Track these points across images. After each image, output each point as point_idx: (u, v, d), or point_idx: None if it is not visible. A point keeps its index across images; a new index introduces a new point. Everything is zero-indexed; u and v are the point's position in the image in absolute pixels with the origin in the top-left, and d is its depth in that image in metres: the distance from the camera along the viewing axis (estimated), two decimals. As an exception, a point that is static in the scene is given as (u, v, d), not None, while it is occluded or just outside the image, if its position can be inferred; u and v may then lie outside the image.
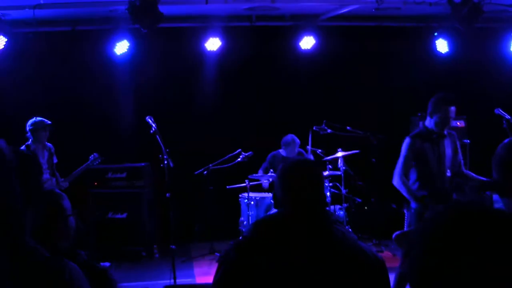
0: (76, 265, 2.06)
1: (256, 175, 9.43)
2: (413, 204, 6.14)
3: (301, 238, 2.63)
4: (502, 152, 2.67)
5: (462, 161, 6.41)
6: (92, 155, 8.58)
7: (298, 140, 9.53)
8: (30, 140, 8.16)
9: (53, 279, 1.98)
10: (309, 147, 9.49)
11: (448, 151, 6.22)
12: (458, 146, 6.40)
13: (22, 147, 8.08)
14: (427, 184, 6.11)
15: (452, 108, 6.12)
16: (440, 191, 6.10)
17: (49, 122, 8.24)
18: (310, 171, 2.80)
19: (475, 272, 1.26)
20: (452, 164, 6.26)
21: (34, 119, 8.18)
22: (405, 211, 6.54)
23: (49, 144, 8.34)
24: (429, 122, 6.21)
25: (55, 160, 8.44)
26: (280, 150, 9.77)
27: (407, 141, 6.22)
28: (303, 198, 2.74)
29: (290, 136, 9.55)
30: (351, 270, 2.57)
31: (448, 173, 6.21)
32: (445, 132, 6.24)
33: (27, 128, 8.14)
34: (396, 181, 6.17)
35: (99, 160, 8.68)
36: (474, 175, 6.37)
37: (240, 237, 2.83)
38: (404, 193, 6.14)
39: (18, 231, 2.05)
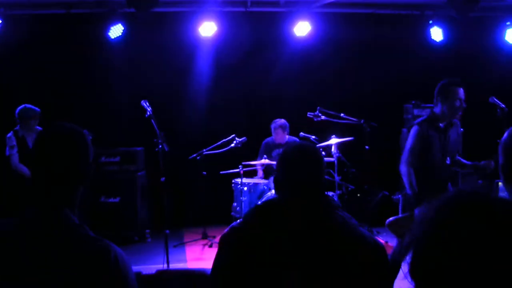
0: (120, 249, 2.10)
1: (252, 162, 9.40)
2: (407, 190, 6.15)
3: (300, 223, 2.63)
4: (508, 137, 2.67)
5: (460, 150, 6.42)
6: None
7: (284, 124, 9.54)
8: (18, 126, 8.11)
9: (100, 258, 2.01)
10: (302, 133, 9.50)
11: (452, 139, 6.21)
12: (460, 135, 6.39)
13: (9, 134, 8.07)
14: (426, 171, 6.09)
15: (461, 90, 6.10)
16: (437, 178, 6.10)
17: (38, 110, 8.14)
18: (311, 156, 2.79)
19: (478, 260, 1.25)
20: (453, 152, 6.26)
21: (23, 106, 8.07)
22: (399, 196, 6.55)
23: (40, 128, 8.16)
24: (439, 109, 6.15)
25: None
26: (273, 138, 9.77)
27: (415, 128, 6.13)
28: (303, 182, 2.74)
29: (277, 120, 9.58)
30: (351, 255, 2.57)
31: (448, 161, 6.20)
32: (452, 120, 6.22)
33: (16, 115, 8.08)
34: (402, 169, 6.13)
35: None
36: (464, 160, 6.40)
37: (239, 221, 2.82)
38: (406, 182, 6.11)
39: (70, 208, 2.11)
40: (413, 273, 1.36)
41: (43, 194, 2.12)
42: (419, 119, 6.33)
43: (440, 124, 6.13)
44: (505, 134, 2.64)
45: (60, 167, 2.15)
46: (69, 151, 2.20)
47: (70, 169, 2.18)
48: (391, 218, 6.44)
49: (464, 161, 6.39)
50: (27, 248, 1.99)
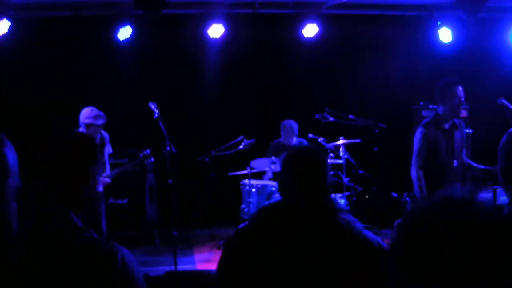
0: (127, 250, 2.08)
1: (259, 160, 9.39)
2: (416, 193, 6.12)
3: (305, 226, 2.63)
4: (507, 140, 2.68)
5: (464, 151, 6.37)
6: (142, 153, 7.94)
7: (293, 125, 9.53)
8: (81, 128, 7.47)
9: (106, 261, 1.99)
10: (310, 135, 9.48)
11: (458, 141, 6.17)
12: (465, 137, 6.35)
13: None
14: (433, 173, 6.06)
15: (459, 88, 6.07)
16: (445, 180, 6.06)
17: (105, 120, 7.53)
18: (314, 159, 2.80)
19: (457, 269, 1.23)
20: (459, 154, 6.22)
21: (90, 109, 7.54)
22: (407, 199, 6.52)
23: (103, 132, 7.73)
24: (441, 110, 6.13)
25: (110, 150, 7.91)
26: (281, 139, 9.76)
27: (420, 130, 6.11)
28: (307, 185, 2.74)
29: (287, 121, 9.57)
30: (355, 258, 2.57)
31: (455, 163, 6.16)
32: (457, 122, 6.19)
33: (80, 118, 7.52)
34: (412, 173, 6.11)
35: (152, 159, 8.09)
36: (474, 164, 6.34)
37: (245, 223, 2.83)
38: (415, 186, 6.08)
39: (74, 210, 2.09)
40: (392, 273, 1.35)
41: (44, 199, 2.10)
42: (424, 121, 6.31)
43: (445, 125, 6.10)
44: (504, 137, 2.65)
45: (55, 170, 2.13)
46: (63, 153, 2.16)
47: (66, 171, 2.14)
48: (400, 220, 6.41)
49: (475, 164, 6.32)
50: (32, 254, 1.98)
